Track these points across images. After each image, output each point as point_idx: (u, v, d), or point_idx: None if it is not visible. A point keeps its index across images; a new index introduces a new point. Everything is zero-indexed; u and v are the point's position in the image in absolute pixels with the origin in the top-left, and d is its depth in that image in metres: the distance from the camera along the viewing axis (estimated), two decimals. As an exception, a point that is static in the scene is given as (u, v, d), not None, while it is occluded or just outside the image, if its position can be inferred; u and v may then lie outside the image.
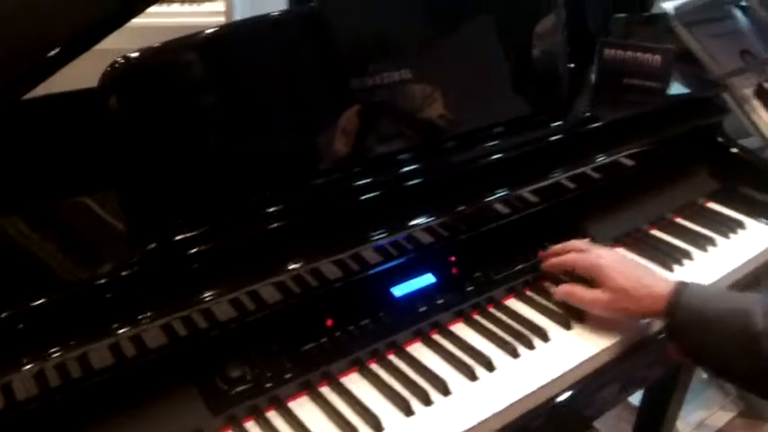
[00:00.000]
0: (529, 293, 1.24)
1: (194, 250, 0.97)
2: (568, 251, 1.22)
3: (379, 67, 1.13)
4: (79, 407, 0.91)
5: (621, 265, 1.14)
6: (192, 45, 1.00)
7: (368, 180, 1.12)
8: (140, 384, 0.95)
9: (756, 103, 1.91)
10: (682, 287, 1.08)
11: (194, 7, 2.77)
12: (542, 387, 1.06)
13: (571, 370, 1.09)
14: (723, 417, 2.45)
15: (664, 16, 1.96)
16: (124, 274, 0.92)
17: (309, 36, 1.10)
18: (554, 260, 1.23)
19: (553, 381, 1.07)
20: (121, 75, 0.95)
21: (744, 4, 2.06)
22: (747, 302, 1.01)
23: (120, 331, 0.91)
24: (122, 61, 0.94)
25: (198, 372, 0.99)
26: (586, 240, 1.28)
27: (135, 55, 0.95)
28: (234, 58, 1.04)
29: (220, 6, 2.72)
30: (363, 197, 1.10)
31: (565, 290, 1.18)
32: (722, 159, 1.64)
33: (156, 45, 0.97)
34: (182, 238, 0.98)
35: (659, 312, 1.08)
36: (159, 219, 0.98)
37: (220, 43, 1.03)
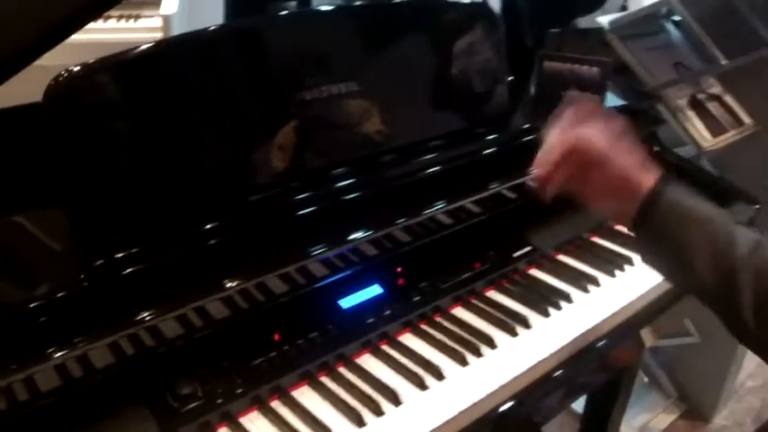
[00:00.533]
0: (475, 302, 1.26)
1: (136, 267, 0.97)
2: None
3: (316, 82, 1.14)
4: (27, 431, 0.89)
5: (611, 147, 1.00)
6: (132, 60, 1.00)
7: (306, 195, 1.13)
8: (90, 405, 0.94)
9: (690, 113, 1.97)
10: (664, 180, 0.98)
11: (131, 23, 2.75)
12: (491, 394, 1.07)
13: (518, 376, 1.11)
14: (666, 419, 2.50)
15: (599, 30, 2.02)
16: (69, 292, 0.92)
17: (246, 51, 1.11)
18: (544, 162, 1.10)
19: (501, 387, 1.08)
20: (66, 90, 0.95)
21: (677, 18, 2.13)
22: (728, 221, 0.96)
23: (65, 352, 0.90)
24: (66, 76, 0.94)
25: (148, 390, 0.98)
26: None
27: (78, 70, 0.95)
28: (171, 73, 1.04)
29: (157, 22, 2.71)
30: (302, 212, 1.11)
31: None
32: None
33: (96, 60, 0.97)
34: (124, 255, 0.97)
35: (636, 193, 0.98)
36: (98, 237, 0.98)
37: (158, 59, 1.03)
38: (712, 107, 2.05)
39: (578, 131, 1.03)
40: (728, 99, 2.10)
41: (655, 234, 0.98)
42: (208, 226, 1.04)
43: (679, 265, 0.98)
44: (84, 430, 0.92)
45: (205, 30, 1.08)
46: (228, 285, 1.02)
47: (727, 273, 0.91)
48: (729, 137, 2.01)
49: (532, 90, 1.60)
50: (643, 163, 1.00)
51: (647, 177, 0.98)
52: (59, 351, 0.89)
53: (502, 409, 1.09)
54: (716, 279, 0.93)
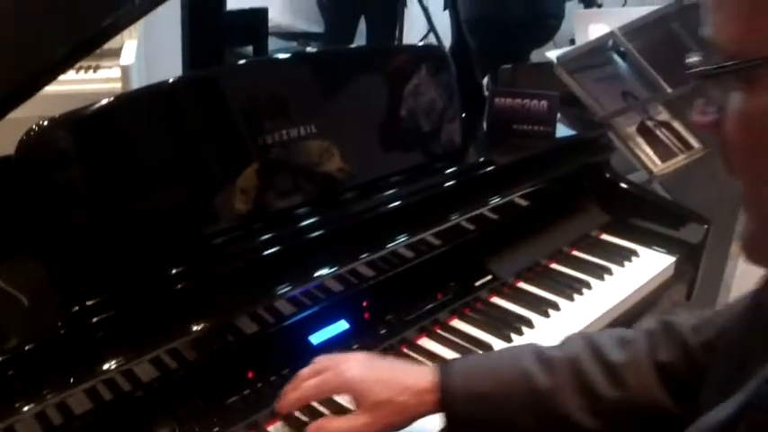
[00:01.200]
0: (440, 332, 1.31)
1: (106, 314, 0.99)
2: (307, 378, 1.02)
3: (276, 126, 1.18)
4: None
5: (373, 371, 1.00)
6: (97, 114, 1.04)
7: (270, 235, 1.16)
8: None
9: (640, 140, 2.04)
10: (446, 371, 0.99)
11: (90, 74, 2.78)
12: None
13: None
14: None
15: (548, 64, 2.09)
16: (46, 340, 0.94)
17: (206, 100, 1.16)
18: (292, 395, 1.02)
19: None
20: (36, 144, 0.98)
21: (622, 49, 2.21)
22: (521, 364, 0.98)
23: (43, 400, 0.92)
24: (36, 130, 0.98)
25: (126, 433, 1.01)
26: (326, 357, 1.06)
27: (47, 124, 0.98)
28: (135, 125, 1.08)
29: (116, 72, 2.75)
30: (267, 252, 1.14)
31: (315, 427, 1.00)
32: (612, 193, 1.74)
33: (64, 114, 1.01)
34: (94, 303, 1.00)
35: (434, 405, 0.97)
36: (71, 285, 1.00)
37: (123, 111, 1.07)
38: (661, 133, 2.12)
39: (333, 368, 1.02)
40: (676, 125, 2.18)
41: (468, 424, 0.98)
42: (175, 271, 1.07)
43: None
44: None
45: (166, 82, 1.12)
46: (198, 328, 1.05)
47: (543, 411, 0.95)
48: (679, 161, 2.09)
49: (485, 125, 1.66)
50: (416, 374, 1.00)
51: (431, 387, 0.98)
52: (37, 399, 0.91)
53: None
54: (544, 423, 0.96)
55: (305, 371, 1.03)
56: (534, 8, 3.37)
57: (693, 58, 0.60)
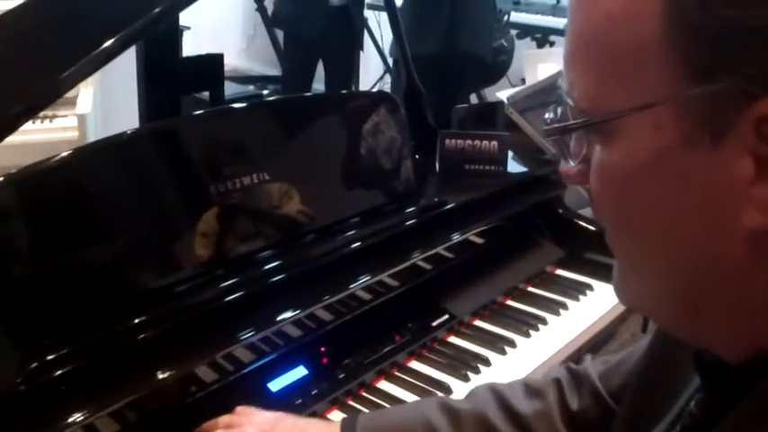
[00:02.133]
0: (398, 374, 1.32)
1: (67, 368, 0.99)
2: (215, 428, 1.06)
3: (235, 173, 1.20)
4: None
5: None
6: (53, 169, 1.05)
7: (232, 281, 1.17)
8: None
9: (591, 176, 2.07)
10: (349, 426, 1.00)
11: (47, 123, 2.77)
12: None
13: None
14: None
15: (500, 104, 2.13)
16: (8, 397, 0.94)
17: (163, 150, 1.18)
18: None
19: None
20: None
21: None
22: (426, 416, 0.99)
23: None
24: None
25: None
26: (242, 409, 1.08)
27: (1, 179, 1.00)
28: (92, 178, 1.09)
29: (73, 121, 2.74)
30: (229, 298, 1.15)
31: None
32: (565, 229, 1.77)
33: (19, 170, 1.02)
34: (54, 357, 0.99)
35: None
36: (30, 340, 1.00)
37: (79, 165, 1.08)
38: (611, 168, 2.16)
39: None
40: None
41: None
42: (135, 321, 1.07)
43: None
44: None
45: (124, 133, 1.13)
46: (160, 378, 1.05)
47: None
48: (630, 194, 2.12)
49: (437, 166, 1.69)
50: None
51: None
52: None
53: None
54: None
55: (221, 419, 1.05)
56: (448, 46, 3.44)
57: (550, 114, 0.61)
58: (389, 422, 1.02)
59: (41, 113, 2.76)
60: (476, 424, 0.98)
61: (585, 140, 0.59)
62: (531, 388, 1.03)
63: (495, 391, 1.02)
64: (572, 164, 0.61)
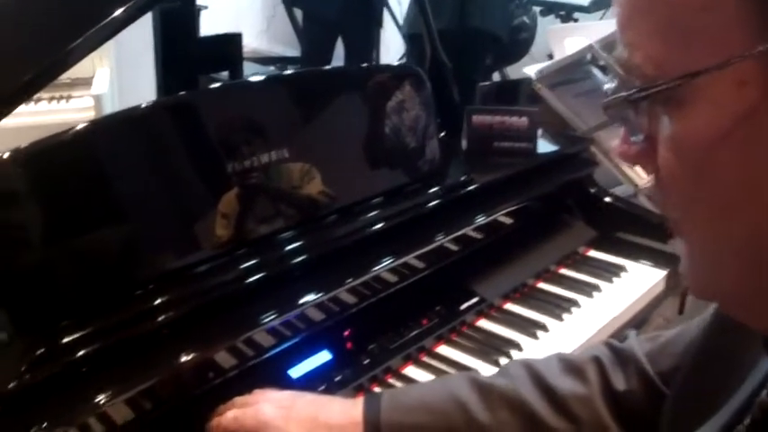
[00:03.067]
0: (426, 359, 1.26)
1: (82, 352, 0.94)
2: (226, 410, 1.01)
3: (255, 150, 1.14)
4: None
5: (289, 411, 0.96)
6: (66, 142, 0.99)
7: (253, 262, 1.12)
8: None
9: (623, 153, 2.00)
10: (374, 406, 0.94)
11: (63, 104, 2.75)
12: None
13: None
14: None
15: (527, 81, 2.06)
16: (12, 385, 0.89)
17: (182, 125, 1.11)
18: (214, 421, 1.00)
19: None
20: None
21: (602, 63, 2.18)
22: (455, 393, 0.93)
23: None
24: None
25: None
26: (257, 391, 1.03)
27: (9, 155, 0.94)
28: (108, 152, 1.03)
29: (89, 102, 2.71)
30: (249, 279, 1.10)
31: None
32: (597, 209, 1.71)
33: (29, 144, 0.96)
34: (69, 341, 0.95)
35: None
36: (40, 323, 0.95)
37: (93, 139, 1.02)
38: (644, 146, 2.09)
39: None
40: (658, 137, 2.15)
41: None
42: (156, 302, 1.02)
43: None
44: None
45: (139, 107, 1.08)
46: (178, 363, 1.00)
47: None
48: (663, 173, 2.05)
49: (464, 144, 1.62)
50: (339, 410, 0.96)
51: (355, 423, 0.93)
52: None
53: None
54: None
55: (236, 399, 1.00)
56: (459, 23, 3.36)
57: (609, 85, 0.55)
58: (414, 399, 0.95)
59: (57, 94, 2.74)
60: (508, 401, 0.92)
61: (648, 114, 0.52)
62: (569, 365, 0.96)
63: (529, 367, 0.96)
64: (634, 139, 0.54)
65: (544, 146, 1.68)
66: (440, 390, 0.96)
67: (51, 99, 2.72)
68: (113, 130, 1.07)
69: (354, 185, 1.30)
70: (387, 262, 1.26)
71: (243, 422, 0.96)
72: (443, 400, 0.93)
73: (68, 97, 2.76)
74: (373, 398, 0.96)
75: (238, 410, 0.98)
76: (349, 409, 0.95)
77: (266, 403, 0.97)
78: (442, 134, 1.51)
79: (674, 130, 0.50)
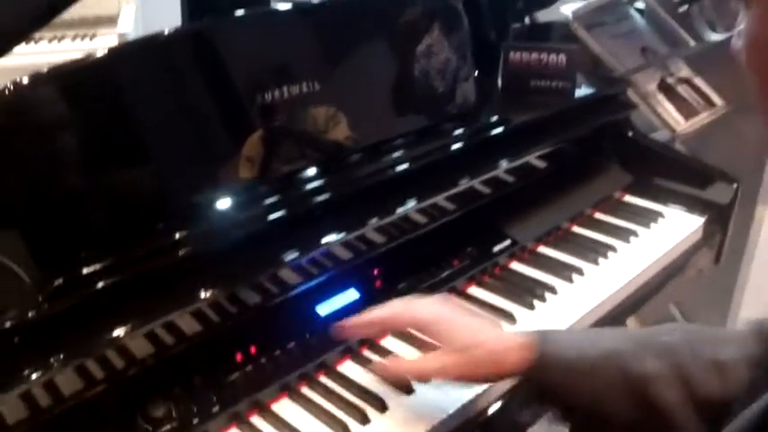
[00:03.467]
0: (457, 300, 1.21)
1: (102, 284, 0.91)
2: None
3: (279, 83, 1.09)
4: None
5: (458, 315, 0.97)
6: (84, 68, 0.95)
7: (275, 199, 1.07)
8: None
9: (661, 98, 1.94)
10: (542, 338, 0.92)
11: (87, 42, 2.71)
12: (479, 395, 1.03)
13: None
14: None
15: (560, 22, 1.99)
16: (30, 315, 0.86)
17: (205, 53, 1.06)
18: (355, 318, 1.02)
19: (489, 387, 1.04)
20: (13, 104, 0.89)
21: (640, 5, 2.10)
22: (616, 343, 0.90)
23: (30, 379, 0.84)
24: (12, 89, 0.89)
25: (118, 415, 0.93)
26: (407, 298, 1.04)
27: (25, 82, 0.90)
28: (127, 80, 0.99)
29: (113, 40, 2.67)
30: (272, 217, 1.06)
31: (390, 366, 1.01)
32: (634, 153, 1.65)
33: (45, 71, 0.92)
34: (88, 272, 0.91)
35: (525, 362, 0.90)
36: (60, 254, 0.92)
37: (112, 66, 0.98)
38: (682, 90, 2.02)
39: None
40: (698, 81, 2.07)
41: (555, 402, 0.93)
42: (177, 236, 0.99)
43: (596, 418, 0.89)
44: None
45: (160, 33, 1.03)
46: (200, 298, 0.97)
47: (635, 395, 0.86)
48: (702, 119, 1.98)
49: (499, 83, 1.56)
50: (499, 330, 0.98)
51: (517, 350, 0.91)
52: (28, 377, 0.84)
53: (490, 411, 1.05)
54: (636, 409, 0.86)
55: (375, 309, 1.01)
56: None
57: None
58: (584, 338, 0.95)
59: (81, 32, 2.70)
60: (672, 362, 0.86)
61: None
62: (725, 335, 0.91)
63: (688, 333, 0.92)
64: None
65: (581, 88, 1.62)
66: (608, 337, 0.93)
67: (75, 37, 2.69)
68: (136, 56, 1.02)
69: (383, 124, 1.25)
70: (413, 203, 1.21)
71: (416, 313, 0.98)
72: (611, 346, 0.90)
73: (93, 36, 2.72)
74: (542, 330, 0.95)
75: (410, 300, 1.00)
76: (514, 333, 0.96)
77: (427, 301, 1.00)
78: (476, 72, 1.44)
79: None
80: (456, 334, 0.94)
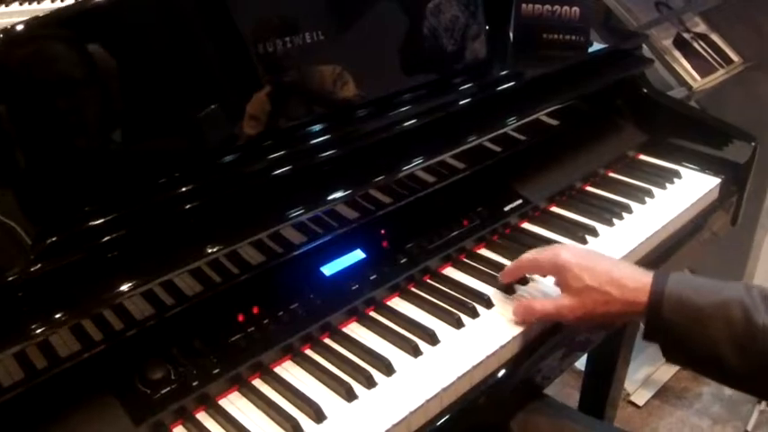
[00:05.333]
0: (466, 260, 1.19)
1: (103, 239, 0.87)
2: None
3: (284, 35, 1.04)
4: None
5: (585, 259, 1.01)
6: (90, 14, 0.90)
7: (280, 153, 1.03)
8: (52, 398, 0.85)
9: (677, 54, 1.89)
10: (662, 277, 0.95)
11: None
12: (489, 356, 1.00)
13: (516, 336, 1.03)
14: (668, 371, 2.43)
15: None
16: (33, 269, 0.82)
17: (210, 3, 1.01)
18: (509, 267, 1.10)
19: (500, 349, 1.01)
20: (4, 51, 0.83)
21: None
22: (738, 293, 0.91)
23: (28, 338, 0.81)
24: (2, 37, 0.83)
25: (116, 378, 0.89)
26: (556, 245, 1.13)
27: (19, 28, 0.84)
28: (131, 27, 0.93)
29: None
30: (276, 172, 1.02)
31: (521, 307, 1.04)
32: (649, 111, 1.60)
33: (42, 16, 0.86)
34: (89, 227, 0.88)
35: (638, 309, 0.95)
36: (62, 209, 0.88)
37: (116, 12, 0.92)
38: (699, 46, 1.96)
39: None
40: (715, 37, 2.02)
41: (670, 340, 0.94)
42: (181, 190, 0.94)
43: (705, 361, 0.92)
44: (46, 428, 0.83)
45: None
46: (203, 254, 0.93)
47: (749, 346, 0.87)
48: (718, 76, 1.93)
49: (511, 36, 1.51)
50: (629, 272, 0.99)
51: (641, 287, 0.95)
52: (18, 339, 0.80)
53: (501, 373, 1.02)
54: (744, 361, 0.88)
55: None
56: None
57: None
58: (702, 283, 0.95)
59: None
60: None
61: None
62: None
63: None
64: None
65: (594, 42, 1.56)
66: (728, 287, 0.93)
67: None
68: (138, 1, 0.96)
69: (389, 78, 1.19)
70: (420, 160, 1.16)
71: (540, 262, 1.06)
72: (730, 294, 0.91)
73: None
74: (664, 271, 0.97)
75: (538, 251, 1.07)
76: (640, 274, 0.98)
77: (565, 249, 1.05)
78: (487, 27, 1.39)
79: None
80: (574, 281, 1.00)
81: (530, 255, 1.07)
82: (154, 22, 0.95)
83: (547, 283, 1.11)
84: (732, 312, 0.89)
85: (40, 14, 0.87)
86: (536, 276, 1.13)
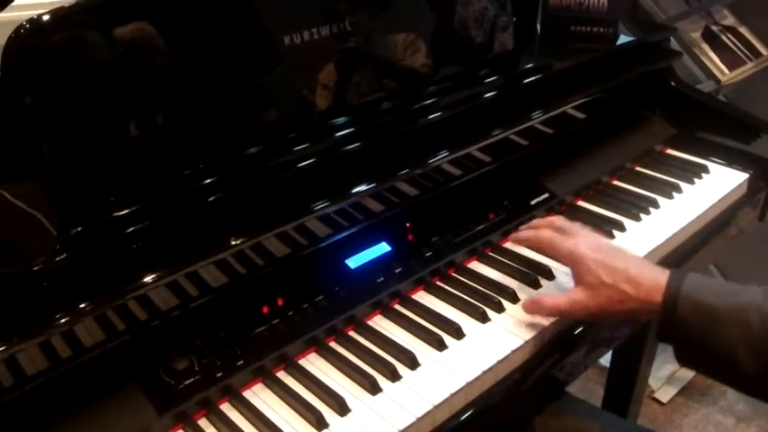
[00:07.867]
0: (492, 254, 1.18)
1: (129, 230, 0.87)
2: (545, 227, 1.08)
3: (312, 27, 1.04)
4: (9, 418, 0.81)
5: (602, 255, 0.99)
6: (113, 1, 0.88)
7: (305, 146, 1.03)
8: (77, 387, 0.85)
9: (705, 47, 1.87)
10: (678, 277, 0.93)
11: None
12: (515, 351, 0.99)
13: (542, 331, 1.02)
14: (693, 368, 2.41)
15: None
16: (58, 259, 0.82)
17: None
18: (527, 233, 1.09)
19: (525, 343, 1.00)
20: (32, 40, 0.82)
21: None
22: (756, 297, 0.88)
23: (53, 329, 0.81)
24: (29, 26, 0.82)
25: (140, 368, 0.89)
26: (562, 219, 1.09)
27: (45, 18, 0.83)
28: (159, 16, 0.92)
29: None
30: (302, 164, 1.01)
31: (532, 303, 1.03)
32: (677, 105, 1.58)
33: (68, 6, 0.85)
34: (115, 217, 0.88)
35: (652, 308, 0.93)
36: (87, 200, 0.88)
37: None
38: (727, 39, 1.94)
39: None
40: (743, 30, 2.00)
41: (683, 341, 0.92)
42: (206, 181, 0.94)
43: (719, 364, 0.90)
44: (71, 414, 0.83)
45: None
46: (228, 245, 0.93)
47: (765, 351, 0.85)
48: (747, 69, 1.91)
49: (538, 28, 1.49)
50: (646, 270, 0.96)
51: (657, 286, 0.93)
52: (43, 329, 0.81)
53: (525, 369, 1.01)
54: (759, 366, 0.86)
55: (544, 220, 1.10)
56: None
57: None
58: (719, 285, 0.94)
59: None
60: None
61: None
62: None
63: None
64: None
65: (622, 34, 1.55)
66: (735, 288, 0.92)
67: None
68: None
69: (417, 70, 1.19)
70: (446, 153, 1.16)
71: (558, 249, 1.03)
72: (745, 298, 0.89)
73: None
74: (681, 271, 0.95)
75: (557, 236, 1.04)
76: (657, 273, 0.95)
77: (584, 240, 1.02)
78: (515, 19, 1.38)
79: None
80: (587, 275, 0.98)
81: (550, 235, 1.05)
82: (178, 18, 0.95)
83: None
84: (749, 316, 0.86)
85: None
86: (561, 269, 1.12)
